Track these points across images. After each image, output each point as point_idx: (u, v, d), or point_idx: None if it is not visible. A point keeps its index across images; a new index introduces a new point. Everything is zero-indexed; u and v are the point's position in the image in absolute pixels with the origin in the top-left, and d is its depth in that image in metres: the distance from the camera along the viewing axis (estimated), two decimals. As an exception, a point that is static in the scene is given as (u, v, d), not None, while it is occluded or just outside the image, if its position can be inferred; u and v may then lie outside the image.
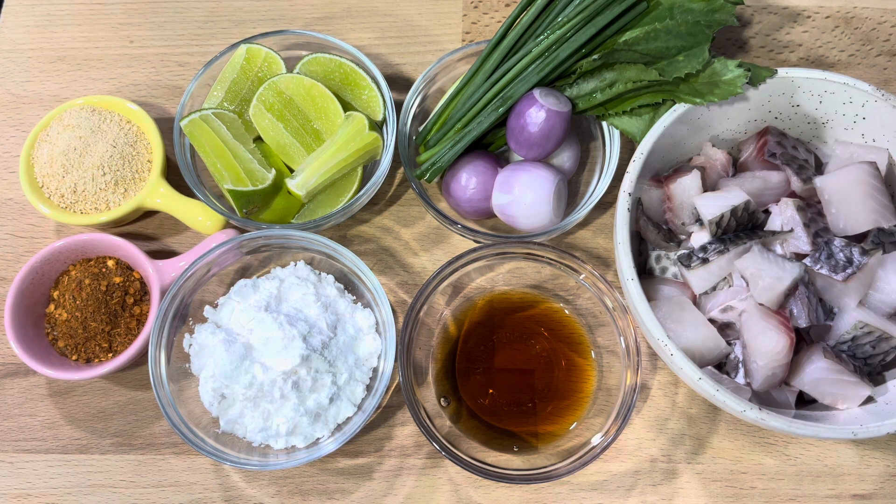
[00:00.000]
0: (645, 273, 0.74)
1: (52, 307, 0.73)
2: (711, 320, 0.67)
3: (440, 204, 0.80)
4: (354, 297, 0.74)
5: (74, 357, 0.72)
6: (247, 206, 0.73)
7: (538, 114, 0.70)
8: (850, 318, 0.65)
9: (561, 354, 0.73)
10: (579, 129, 0.80)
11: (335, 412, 0.69)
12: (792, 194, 0.70)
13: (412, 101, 0.78)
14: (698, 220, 0.71)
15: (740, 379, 0.66)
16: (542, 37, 0.72)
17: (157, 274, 0.72)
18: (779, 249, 0.68)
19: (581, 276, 0.71)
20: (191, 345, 0.70)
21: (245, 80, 0.78)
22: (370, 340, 0.71)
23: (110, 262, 0.75)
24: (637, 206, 0.72)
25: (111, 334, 0.72)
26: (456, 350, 0.73)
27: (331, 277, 0.74)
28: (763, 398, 0.66)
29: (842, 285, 0.64)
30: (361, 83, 0.78)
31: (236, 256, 0.74)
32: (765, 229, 0.69)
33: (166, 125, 0.82)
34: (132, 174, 0.76)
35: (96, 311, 0.72)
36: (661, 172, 0.74)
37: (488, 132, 0.76)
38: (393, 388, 0.74)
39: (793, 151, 0.71)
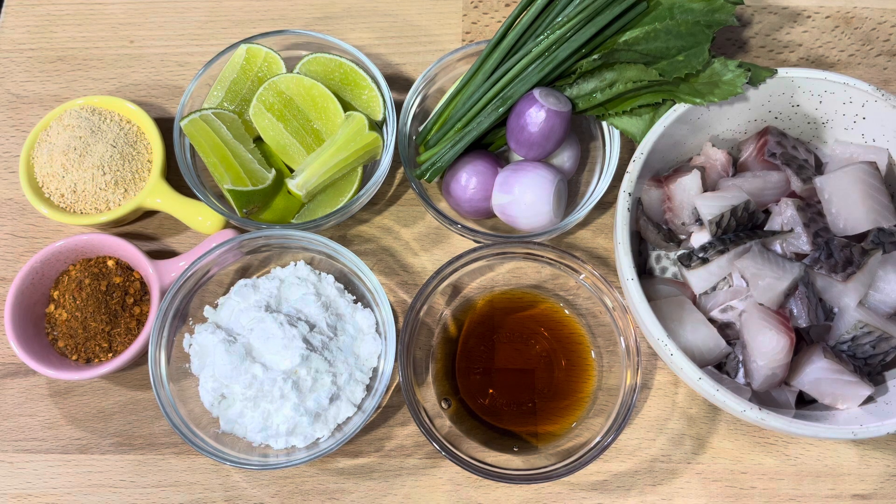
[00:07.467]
0: (645, 273, 0.74)
1: (52, 307, 0.73)
2: (711, 320, 0.67)
3: (440, 204, 0.80)
4: (354, 297, 0.74)
5: (74, 357, 0.72)
6: (247, 206, 0.73)
7: (538, 114, 0.70)
8: (850, 318, 0.65)
9: (561, 354, 0.73)
10: (579, 129, 0.80)
11: (335, 412, 0.69)
12: (792, 194, 0.70)
13: (412, 101, 0.78)
14: (698, 220, 0.71)
15: (740, 379, 0.66)
16: (542, 37, 0.72)
17: (157, 274, 0.72)
18: (779, 249, 0.68)
19: (581, 276, 0.71)
20: (191, 345, 0.70)
21: (245, 80, 0.78)
22: (370, 340, 0.71)
23: (110, 262, 0.75)
24: (637, 206, 0.72)
25: (111, 334, 0.72)
26: (456, 350, 0.73)
27: (331, 277, 0.74)
28: (763, 398, 0.66)
29: (842, 285, 0.64)
30: (361, 83, 0.78)
31: (236, 256, 0.74)
32: (765, 229, 0.69)
33: (166, 125, 0.82)
34: (132, 174, 0.76)
35: (96, 311, 0.72)
36: (661, 172, 0.74)
37: (488, 132, 0.76)
38: (393, 388, 0.74)
39: (793, 151, 0.71)
